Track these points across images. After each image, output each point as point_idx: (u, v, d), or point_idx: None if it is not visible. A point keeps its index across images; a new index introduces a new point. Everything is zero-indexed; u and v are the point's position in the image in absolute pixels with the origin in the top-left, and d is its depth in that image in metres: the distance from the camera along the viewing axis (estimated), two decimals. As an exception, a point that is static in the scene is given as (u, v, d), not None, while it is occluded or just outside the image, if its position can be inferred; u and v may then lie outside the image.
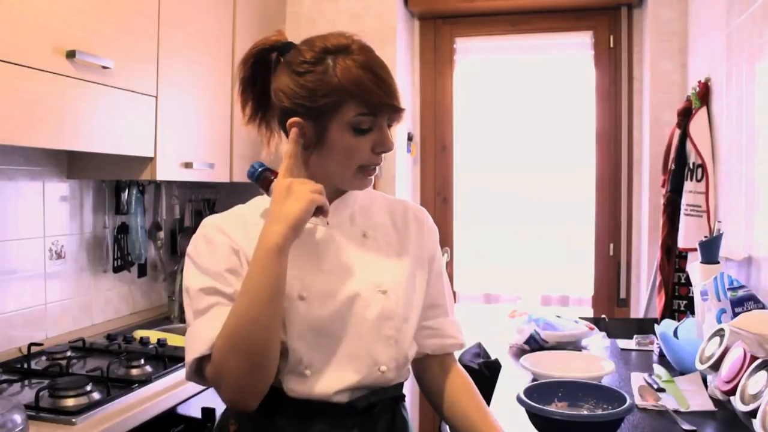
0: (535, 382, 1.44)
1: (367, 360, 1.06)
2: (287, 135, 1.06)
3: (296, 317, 1.03)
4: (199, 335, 1.00)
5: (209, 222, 1.10)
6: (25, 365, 1.73)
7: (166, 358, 1.81)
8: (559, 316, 2.23)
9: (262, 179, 1.08)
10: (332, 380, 1.05)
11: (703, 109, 2.21)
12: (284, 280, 0.98)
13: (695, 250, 1.99)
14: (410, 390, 2.21)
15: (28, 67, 1.46)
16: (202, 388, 1.74)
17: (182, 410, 1.70)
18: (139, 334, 2.09)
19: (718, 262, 1.87)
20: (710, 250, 1.88)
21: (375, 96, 1.01)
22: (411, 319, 1.14)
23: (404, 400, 1.17)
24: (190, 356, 1.00)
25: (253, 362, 0.97)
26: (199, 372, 1.01)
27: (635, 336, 2.15)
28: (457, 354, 1.27)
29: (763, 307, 1.59)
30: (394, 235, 1.17)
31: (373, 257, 1.12)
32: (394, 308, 1.09)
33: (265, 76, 1.12)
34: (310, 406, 1.04)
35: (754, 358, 1.35)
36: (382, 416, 1.11)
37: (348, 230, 1.13)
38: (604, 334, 2.25)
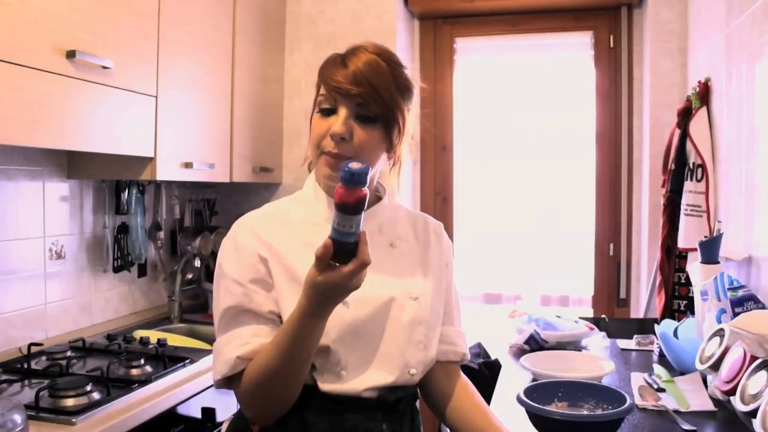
0: (535, 382, 1.44)
1: (399, 362, 1.09)
2: None
3: (339, 321, 1.05)
4: (223, 354, 1.05)
5: (241, 224, 1.13)
6: (25, 365, 1.73)
7: (166, 358, 1.81)
8: (559, 316, 2.22)
9: (359, 189, 0.87)
10: (365, 380, 1.07)
11: (703, 109, 2.20)
12: (318, 342, 1.01)
13: (695, 250, 1.98)
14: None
15: (28, 67, 1.46)
16: (202, 387, 1.75)
17: (182, 410, 1.70)
18: (139, 334, 2.09)
19: (718, 262, 1.87)
20: (710, 250, 1.88)
21: (332, 74, 1.06)
22: (436, 326, 1.18)
23: (418, 398, 1.20)
24: (215, 375, 1.07)
25: (273, 401, 1.04)
26: (228, 383, 1.07)
27: (635, 336, 2.15)
28: None
29: (763, 307, 1.59)
30: (416, 246, 1.21)
31: (401, 265, 1.15)
32: (424, 314, 1.13)
33: None
34: (341, 400, 1.06)
35: (754, 358, 1.35)
36: (406, 412, 1.14)
37: (377, 239, 1.15)
38: (604, 334, 2.25)
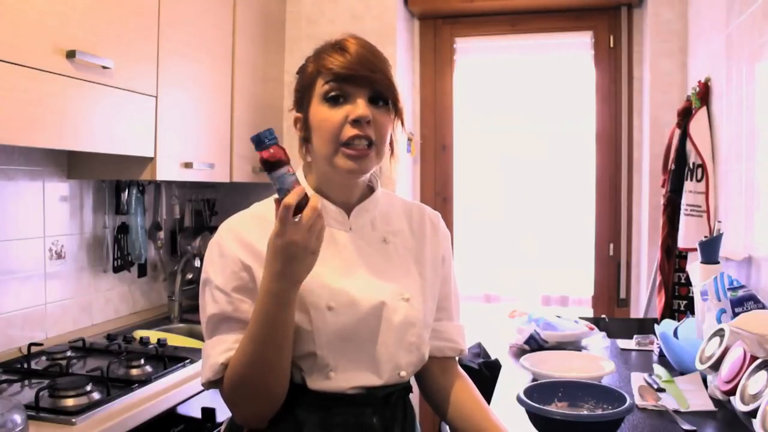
0: (535, 382, 1.44)
1: (389, 365, 1.09)
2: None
3: (325, 327, 1.04)
4: (209, 359, 1.06)
5: (225, 228, 1.11)
6: (25, 365, 1.73)
7: (166, 358, 1.81)
8: (559, 316, 2.23)
9: (273, 155, 0.95)
10: (353, 380, 1.07)
11: (703, 109, 2.20)
12: (292, 326, 1.00)
13: (695, 250, 1.98)
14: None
15: (28, 67, 1.46)
16: (202, 388, 1.74)
17: (182, 410, 1.70)
18: (139, 334, 2.09)
19: (718, 262, 1.87)
20: (710, 250, 1.88)
21: (335, 62, 1.04)
22: (429, 324, 1.17)
23: (411, 391, 1.19)
24: (202, 379, 1.08)
25: (259, 398, 1.03)
26: (215, 384, 1.07)
27: (635, 336, 2.15)
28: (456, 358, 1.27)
29: (763, 307, 1.59)
30: (411, 240, 1.18)
31: (394, 263, 1.14)
32: (416, 315, 1.11)
33: None
34: (331, 397, 1.06)
35: (754, 358, 1.35)
36: (398, 405, 1.14)
37: (369, 236, 1.14)
38: (604, 334, 2.25)
